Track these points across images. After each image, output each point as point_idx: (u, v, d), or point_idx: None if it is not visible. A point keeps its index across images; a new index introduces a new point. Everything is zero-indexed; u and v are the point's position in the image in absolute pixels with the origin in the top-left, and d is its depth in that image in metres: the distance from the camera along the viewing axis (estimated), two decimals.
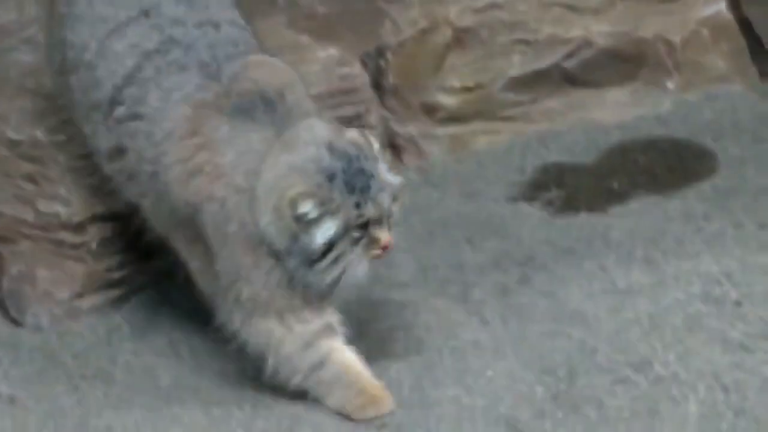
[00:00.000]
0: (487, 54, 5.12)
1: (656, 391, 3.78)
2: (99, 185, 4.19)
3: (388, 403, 3.68)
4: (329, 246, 3.60)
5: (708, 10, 5.28)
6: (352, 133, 3.69)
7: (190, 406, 4.04)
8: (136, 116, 3.83)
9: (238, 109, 3.73)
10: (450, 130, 5.10)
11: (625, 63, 5.19)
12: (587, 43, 5.16)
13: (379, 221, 3.63)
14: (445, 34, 5.08)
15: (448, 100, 5.11)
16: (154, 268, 4.48)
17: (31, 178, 4.34)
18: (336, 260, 3.62)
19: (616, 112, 5.19)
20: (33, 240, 4.35)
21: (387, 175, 3.68)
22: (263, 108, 3.71)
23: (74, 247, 4.36)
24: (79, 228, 4.33)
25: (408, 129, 5.10)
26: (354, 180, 3.61)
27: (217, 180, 3.69)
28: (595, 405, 3.68)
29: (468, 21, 5.08)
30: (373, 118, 4.94)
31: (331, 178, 3.59)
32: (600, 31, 5.16)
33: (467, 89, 5.11)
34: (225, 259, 3.71)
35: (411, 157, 4.95)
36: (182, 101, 3.76)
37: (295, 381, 3.73)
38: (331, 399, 3.71)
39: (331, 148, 3.63)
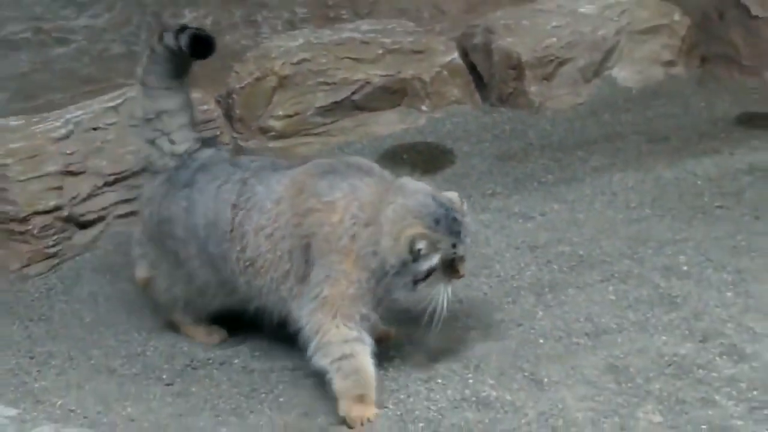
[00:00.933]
0: (301, 92, 5.86)
1: None
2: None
3: (373, 410, 3.81)
4: (429, 273, 3.79)
5: (447, 58, 6.13)
6: (447, 193, 3.91)
7: (104, 334, 4.52)
8: (251, 207, 4.08)
9: (325, 172, 3.96)
10: (279, 143, 5.78)
11: (393, 94, 5.95)
12: (368, 82, 5.92)
13: (463, 259, 3.83)
14: (272, 80, 5.83)
15: (276, 124, 5.81)
16: (77, 245, 5.04)
17: None
18: (432, 283, 3.81)
19: (388, 127, 5.93)
20: None
21: (471, 224, 3.88)
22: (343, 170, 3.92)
23: (21, 233, 4.90)
24: (24, 220, 4.88)
25: (250, 144, 5.78)
26: (452, 225, 3.78)
27: (332, 212, 3.86)
28: None
29: (287, 71, 5.82)
30: (225, 138, 5.58)
31: (437, 221, 3.77)
32: (376, 74, 5.94)
33: (289, 116, 5.82)
34: (322, 265, 3.86)
35: None
36: (278, 183, 4.04)
37: (324, 362, 3.86)
38: (338, 385, 3.83)
39: (434, 198, 3.82)
